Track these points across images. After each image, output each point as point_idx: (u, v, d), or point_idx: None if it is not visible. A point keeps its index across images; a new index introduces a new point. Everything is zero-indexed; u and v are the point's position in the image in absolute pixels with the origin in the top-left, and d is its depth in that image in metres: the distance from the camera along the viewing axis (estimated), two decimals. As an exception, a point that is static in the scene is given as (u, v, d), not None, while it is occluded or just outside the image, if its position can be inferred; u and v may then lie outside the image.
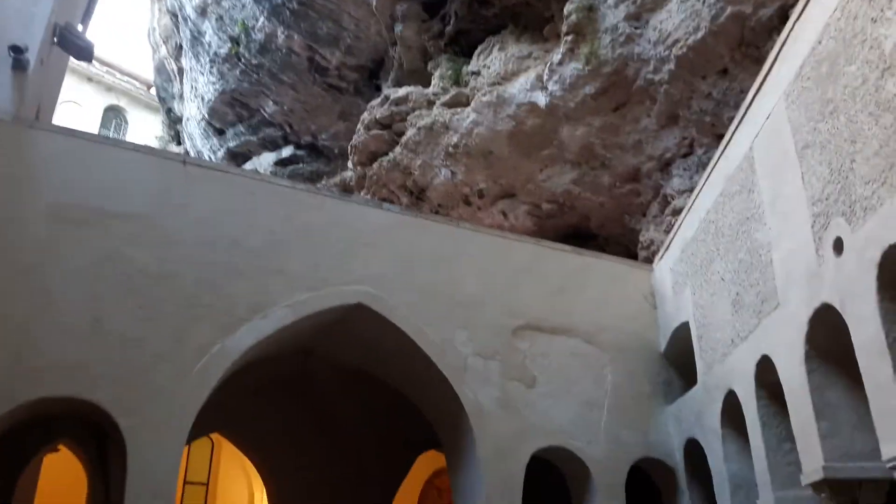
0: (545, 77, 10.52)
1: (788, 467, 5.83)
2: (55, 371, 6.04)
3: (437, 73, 12.62)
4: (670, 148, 10.28)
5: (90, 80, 27.33)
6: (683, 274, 8.09)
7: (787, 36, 5.91)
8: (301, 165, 16.98)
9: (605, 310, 8.62)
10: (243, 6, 15.11)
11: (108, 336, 6.32)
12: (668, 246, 8.70)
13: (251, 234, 7.31)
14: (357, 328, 7.95)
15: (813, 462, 5.10)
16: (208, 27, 16.15)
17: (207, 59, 16.55)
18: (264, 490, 11.51)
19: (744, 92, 8.09)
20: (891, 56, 4.48)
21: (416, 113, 12.49)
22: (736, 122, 6.91)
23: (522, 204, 12.33)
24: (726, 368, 6.80)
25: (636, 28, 9.44)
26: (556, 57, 10.29)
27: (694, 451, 7.59)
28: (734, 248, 6.76)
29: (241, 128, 17.43)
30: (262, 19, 14.64)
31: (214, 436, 13.55)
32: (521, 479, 7.40)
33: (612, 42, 9.64)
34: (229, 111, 17.12)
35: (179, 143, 21.86)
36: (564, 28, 10.12)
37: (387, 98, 13.11)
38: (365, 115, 13.50)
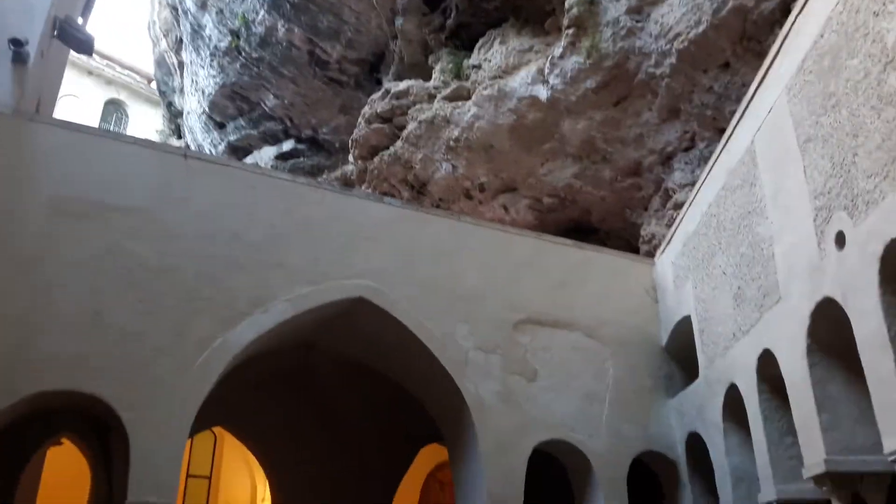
0: (546, 71, 10.49)
1: (790, 461, 5.84)
2: (56, 365, 6.05)
3: (437, 67, 12.59)
4: (672, 142, 10.26)
5: (90, 73, 27.28)
6: (685, 268, 8.09)
7: (789, 29, 5.89)
8: (302, 159, 16.95)
9: (607, 304, 8.62)
10: (243, -1, 15.08)
11: (109, 330, 6.33)
12: (670, 240, 8.69)
13: (252, 227, 7.31)
14: (358, 322, 7.96)
15: (814, 455, 5.10)
16: (208, 20, 16.10)
17: (208, 53, 16.51)
18: (267, 483, 11.55)
19: (745, 86, 8.07)
20: (893, 50, 4.47)
21: (417, 107, 12.46)
22: (737, 115, 6.89)
23: (523, 198, 12.32)
24: (728, 362, 6.81)
25: (637, 21, 9.41)
26: (558, 50, 10.27)
27: (695, 444, 7.60)
28: (736, 241, 6.76)
29: (241, 121, 17.39)
30: (262, 13, 14.59)
31: (217, 429, 13.58)
32: (523, 473, 7.42)
33: (613, 35, 9.61)
34: (230, 105, 17.09)
35: (180, 137, 21.84)
36: (566, 21, 10.09)
37: (387, 92, 13.08)
38: (366, 109, 13.47)
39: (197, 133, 19.03)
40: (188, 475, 14.09)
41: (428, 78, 12.73)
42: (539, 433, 7.68)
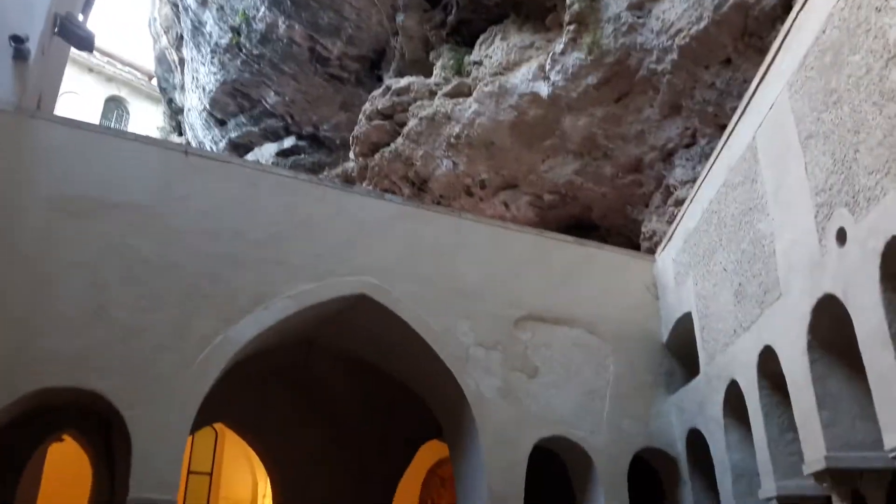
0: (547, 67, 10.48)
1: (790, 457, 5.85)
2: (58, 361, 6.05)
3: (438, 64, 12.58)
4: (673, 138, 10.26)
5: (91, 70, 27.27)
6: (686, 264, 8.09)
7: (791, 25, 5.88)
8: (303, 156, 16.95)
9: (608, 300, 8.63)
10: (244, -4, 15.06)
11: (111, 327, 6.34)
12: (671, 236, 8.69)
13: (253, 224, 7.32)
14: (359, 319, 7.96)
15: (815, 452, 5.11)
16: (209, 17, 16.09)
17: (208, 50, 16.50)
18: (268, 479, 11.57)
19: (747, 82, 8.06)
20: (895, 45, 4.46)
21: (418, 103, 12.46)
22: (739, 112, 6.89)
23: (524, 195, 12.32)
24: (728, 359, 6.81)
25: (639, 18, 9.39)
26: (559, 47, 10.25)
27: (696, 440, 7.61)
28: (737, 238, 6.76)
29: (242, 118, 17.39)
30: (262, 9, 14.58)
31: (218, 425, 13.60)
32: (524, 469, 7.43)
33: (614, 32, 9.60)
34: (231, 102, 17.09)
35: (181, 134, 21.83)
36: (567, 17, 10.07)
37: (388, 88, 13.07)
38: (366, 106, 13.46)
39: (198, 130, 19.03)
40: (189, 471, 14.12)
41: (429, 74, 12.72)
42: (540, 429, 7.69)
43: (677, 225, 8.51)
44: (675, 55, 9.13)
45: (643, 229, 11.36)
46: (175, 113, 22.61)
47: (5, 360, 5.88)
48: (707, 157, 9.06)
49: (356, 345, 8.80)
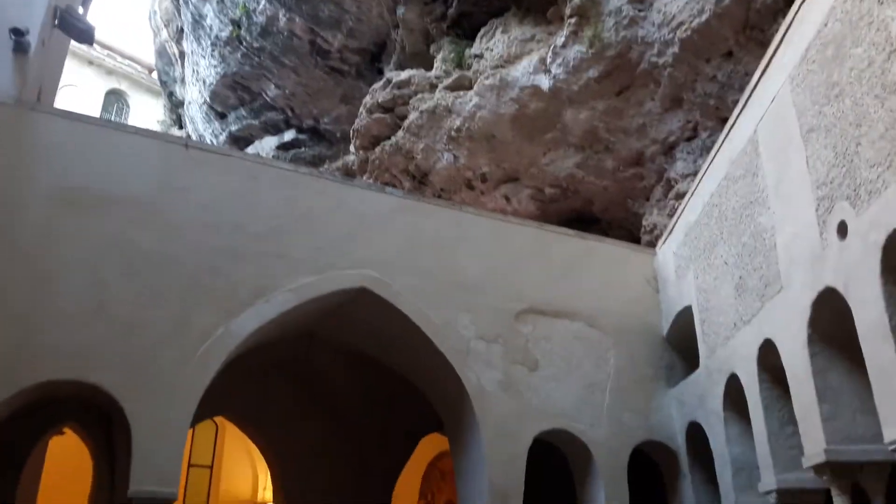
0: (548, 60, 10.45)
1: (790, 450, 5.85)
2: (59, 355, 6.06)
3: (439, 57, 12.54)
4: (674, 131, 10.24)
5: (91, 63, 27.21)
6: (686, 258, 8.08)
7: (793, 18, 5.86)
8: (303, 149, 16.93)
9: (608, 293, 8.63)
10: (244, -12, 15.00)
11: (112, 320, 6.34)
12: (672, 230, 8.69)
13: (254, 218, 7.31)
14: (360, 312, 7.97)
15: (815, 445, 5.11)
16: (209, 10, 16.04)
17: (209, 43, 16.45)
18: (268, 472, 11.60)
19: (748, 75, 8.04)
20: (898, 38, 4.45)
21: (419, 96, 12.43)
22: (740, 105, 6.87)
23: (525, 188, 12.30)
24: (729, 352, 6.82)
25: (640, 11, 9.36)
26: (560, 40, 10.23)
27: (696, 434, 7.62)
28: (738, 231, 6.75)
29: (242, 112, 17.36)
30: (263, 2, 14.53)
31: (218, 419, 13.64)
32: (524, 462, 7.44)
33: (615, 25, 9.57)
34: (231, 95, 17.05)
35: (181, 127, 21.80)
36: (568, 11, 10.04)
37: (389, 81, 13.04)
38: (367, 99, 13.43)
39: (198, 123, 19.00)
40: (190, 465, 14.17)
41: (429, 67, 12.68)
42: (540, 422, 7.70)
43: (678, 218, 8.50)
44: (676, 48, 9.11)
45: (644, 223, 11.35)
46: (175, 106, 22.57)
47: (6, 354, 5.88)
48: (708, 150, 9.04)
49: (357, 338, 8.81)
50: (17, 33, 7.00)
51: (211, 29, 16.16)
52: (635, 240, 11.28)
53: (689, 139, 10.21)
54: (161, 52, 22.01)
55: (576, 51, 10.04)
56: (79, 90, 26.05)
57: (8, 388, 5.83)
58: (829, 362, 5.22)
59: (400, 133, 12.84)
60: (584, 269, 8.66)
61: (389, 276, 7.65)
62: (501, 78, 11.11)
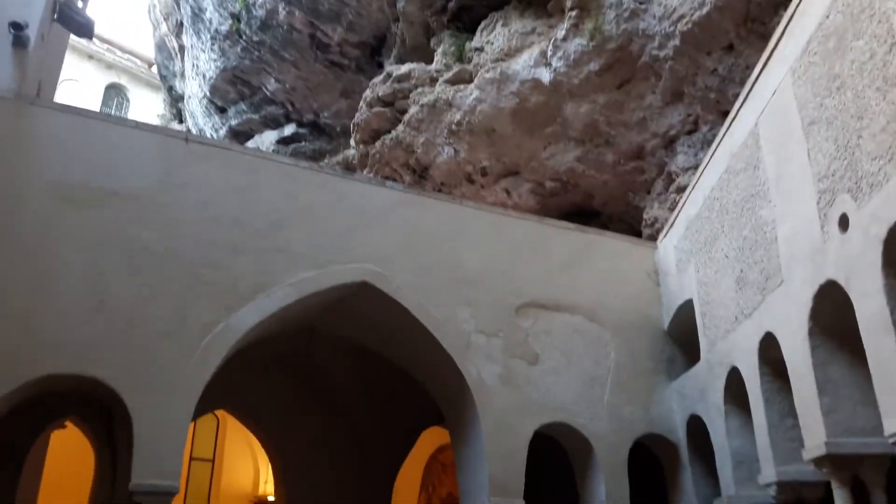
0: (549, 53, 10.43)
1: (791, 443, 5.86)
2: (60, 349, 6.06)
3: (439, 50, 12.51)
4: (675, 125, 10.22)
5: (91, 57, 27.19)
6: (687, 251, 8.08)
7: (794, 11, 5.84)
8: (303, 144, 16.91)
9: (609, 287, 8.62)
10: (244, -18, 14.97)
11: (113, 314, 6.34)
12: (672, 223, 8.68)
13: (254, 212, 7.31)
14: (361, 306, 7.97)
15: (815, 438, 5.12)
16: (209, 4, 16.00)
17: (208, 37, 16.42)
18: (269, 466, 11.63)
19: (749, 68, 8.01)
20: (899, 30, 4.43)
21: (419, 90, 12.40)
22: (741, 98, 6.85)
23: (526, 182, 12.28)
24: (729, 345, 6.82)
25: (641, 3, 9.33)
26: (560, 33, 10.20)
27: (697, 427, 7.63)
28: (738, 225, 6.75)
29: (242, 106, 17.34)
30: (262, -5, 14.51)
31: (220, 412, 13.67)
32: (525, 455, 7.45)
33: (616, 18, 9.54)
34: (231, 89, 17.03)
35: (181, 122, 21.78)
36: (569, 3, 10.01)
37: (389, 75, 13.01)
38: (367, 93, 13.41)
39: (198, 117, 18.98)
40: (191, 458, 14.21)
41: (430, 61, 12.66)
42: (540, 416, 7.71)
43: (679, 212, 8.49)
44: (677, 41, 9.08)
45: (645, 216, 11.34)
46: (175, 100, 22.54)
47: (7, 349, 5.88)
48: (709, 143, 9.02)
49: (357, 332, 8.82)
50: (17, 27, 6.98)
51: (210, 23, 16.13)
52: (636, 233, 11.27)
53: (689, 132, 10.19)
54: (161, 47, 21.98)
55: (576, 44, 10.01)
56: (79, 85, 26.04)
57: (9, 382, 5.83)
58: (829, 355, 5.22)
59: (400, 127, 12.82)
60: (584, 263, 8.65)
61: (390, 270, 7.65)
62: (502, 71, 11.08)
